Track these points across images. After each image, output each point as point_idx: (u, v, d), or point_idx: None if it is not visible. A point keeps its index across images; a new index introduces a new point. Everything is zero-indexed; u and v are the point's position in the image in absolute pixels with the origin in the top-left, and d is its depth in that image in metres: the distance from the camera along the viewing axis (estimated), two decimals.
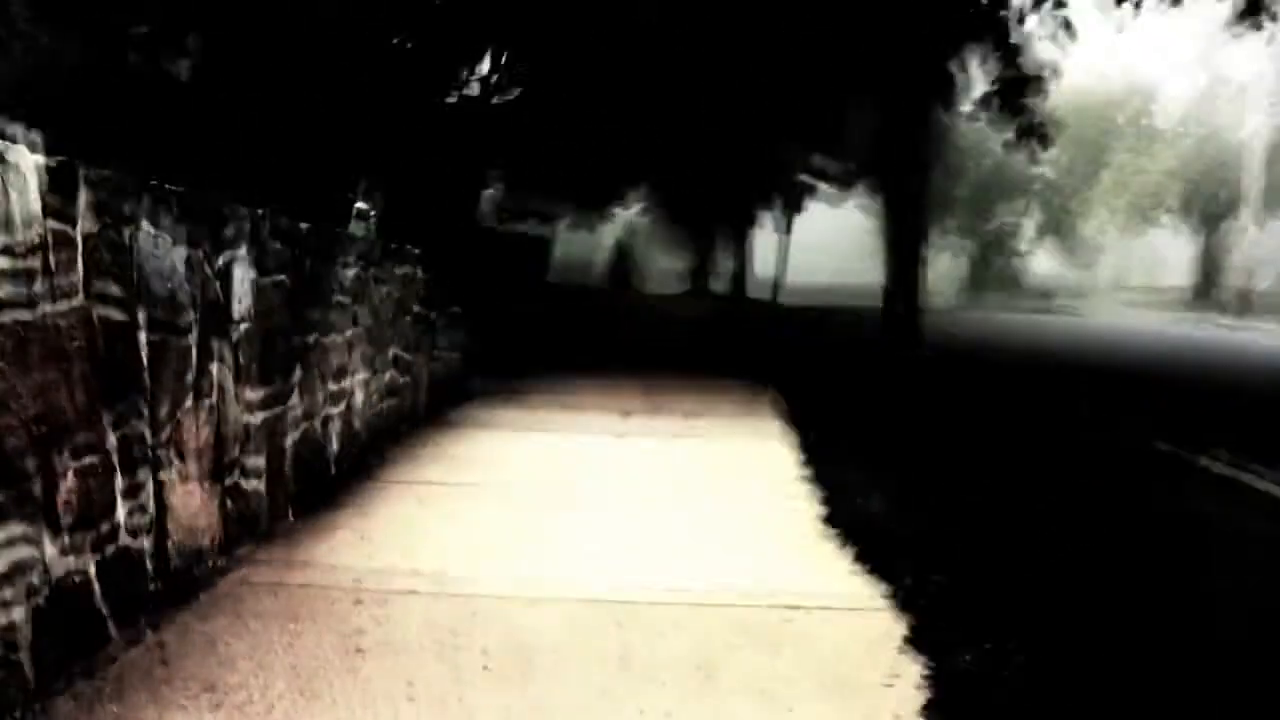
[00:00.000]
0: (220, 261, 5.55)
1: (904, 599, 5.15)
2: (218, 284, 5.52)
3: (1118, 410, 13.68)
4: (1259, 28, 21.70)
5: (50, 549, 3.86)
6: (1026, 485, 8.53)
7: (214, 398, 5.39)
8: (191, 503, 5.09)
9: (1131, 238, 79.28)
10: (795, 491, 7.53)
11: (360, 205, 9.64)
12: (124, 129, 9.03)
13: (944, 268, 69.83)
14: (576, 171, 33.08)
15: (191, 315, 5.16)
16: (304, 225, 6.91)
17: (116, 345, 4.43)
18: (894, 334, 22.51)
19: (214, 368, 5.42)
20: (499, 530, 6.38)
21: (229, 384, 5.58)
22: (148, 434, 4.68)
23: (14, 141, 3.79)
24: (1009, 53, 22.03)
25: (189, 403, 5.11)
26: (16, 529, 3.63)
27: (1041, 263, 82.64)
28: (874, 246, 66.96)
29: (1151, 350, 26.47)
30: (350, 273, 7.92)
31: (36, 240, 3.79)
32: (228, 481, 5.56)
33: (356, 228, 9.41)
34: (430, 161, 19.16)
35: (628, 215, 53.48)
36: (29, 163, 3.78)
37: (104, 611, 4.25)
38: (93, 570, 4.17)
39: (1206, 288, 66.91)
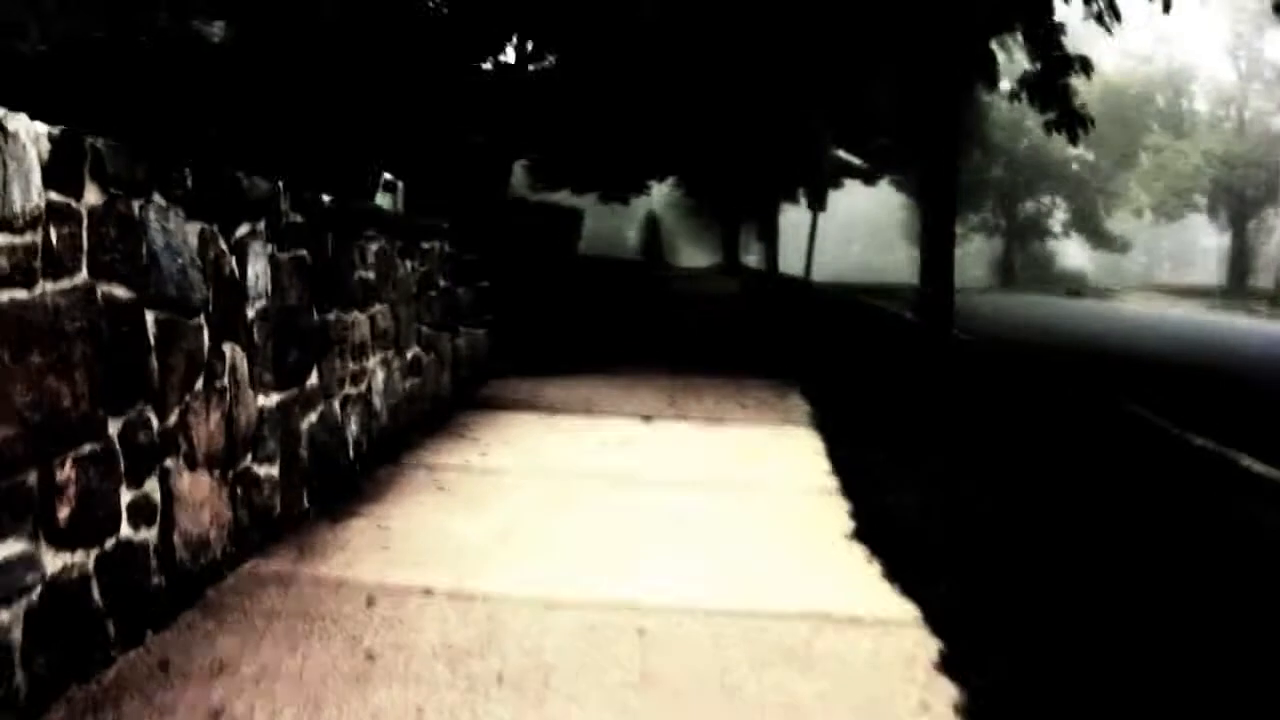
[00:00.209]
0: (236, 236, 5.31)
1: (937, 616, 4.89)
2: (233, 259, 5.28)
3: (1176, 405, 13.32)
4: None
5: (44, 544, 3.63)
6: (1076, 489, 8.18)
7: (226, 380, 5.15)
8: (200, 491, 4.86)
9: (1166, 224, 78.97)
10: (824, 493, 7.26)
11: (387, 176, 9.38)
12: (148, 95, 8.84)
13: (975, 250, 69.68)
14: (605, 153, 32.93)
15: (204, 293, 4.93)
16: (325, 198, 6.66)
17: (121, 325, 4.20)
18: (928, 316, 22.21)
19: (227, 348, 5.19)
20: (520, 522, 6.13)
21: (242, 365, 5.34)
22: (153, 419, 4.45)
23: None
24: (1051, 31, 21.69)
25: (199, 385, 4.88)
26: (7, 523, 3.41)
27: (1072, 250, 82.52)
28: (908, 223, 67.31)
29: (1201, 340, 26.13)
30: (374, 247, 7.68)
31: (36, 213, 3.57)
32: (239, 468, 5.32)
33: (383, 199, 9.15)
34: (463, 130, 18.98)
35: (661, 188, 53.21)
36: (30, 132, 3.56)
37: (103, 610, 4.01)
38: (91, 566, 3.94)
39: (1239, 278, 66.60)
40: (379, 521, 5.95)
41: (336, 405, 6.88)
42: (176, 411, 4.66)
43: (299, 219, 6.14)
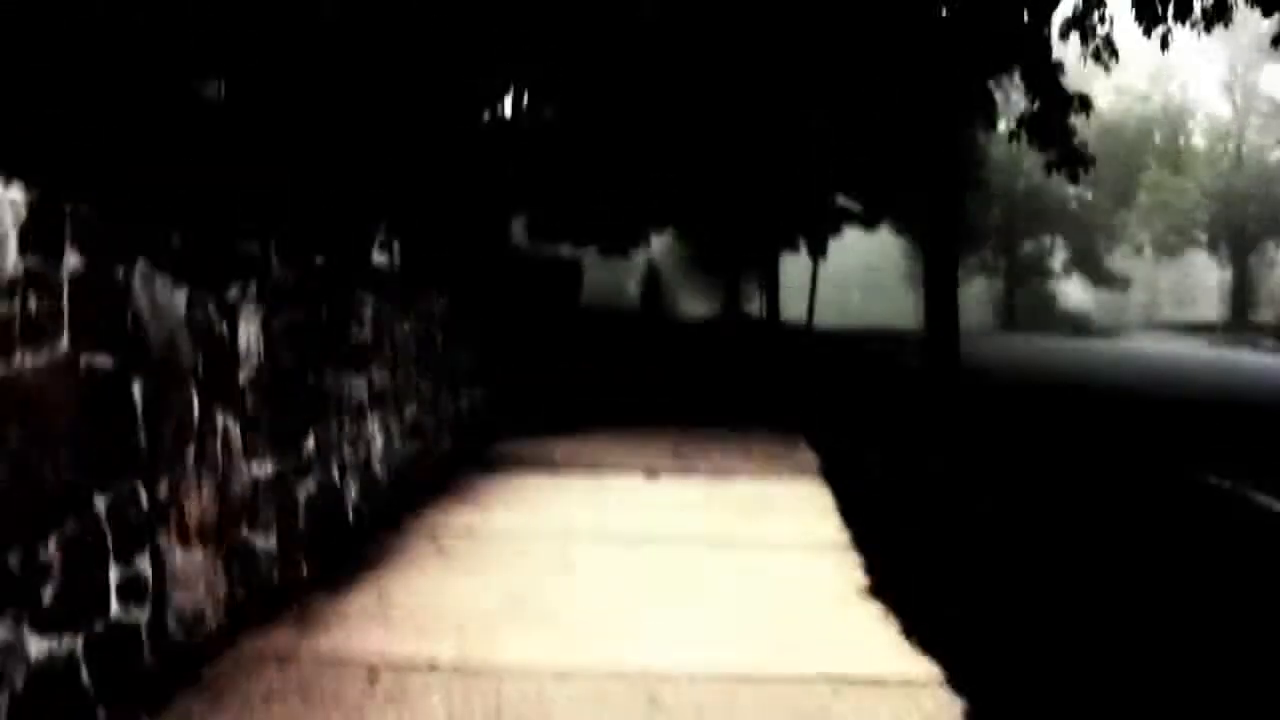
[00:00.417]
0: (226, 299, 5.16)
1: (959, 675, 4.71)
2: (224, 324, 5.13)
3: (1195, 444, 13.08)
4: None
5: (28, 629, 3.46)
6: (1098, 540, 7.96)
7: (219, 448, 4.99)
8: (193, 566, 4.69)
9: (1166, 261, 79.06)
10: (836, 548, 7.09)
11: (382, 234, 9.25)
12: (140, 155, 8.70)
13: (976, 292, 69.60)
14: (603, 205, 32.94)
15: (194, 359, 4.77)
16: (319, 258, 6.52)
17: (106, 395, 4.04)
18: (934, 363, 22.09)
19: (219, 416, 5.02)
20: (526, 587, 5.94)
21: (235, 433, 5.18)
22: (143, 492, 4.28)
23: None
24: (1050, 72, 21.68)
25: (190, 455, 4.71)
26: None
27: (1072, 289, 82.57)
28: (908, 268, 67.31)
29: (1212, 378, 25.90)
30: (370, 307, 7.54)
31: (13, 281, 3.42)
32: (234, 541, 5.14)
33: (379, 257, 9.01)
34: (460, 184, 18.88)
35: (660, 240, 53.23)
36: (3, 197, 3.40)
37: (92, 696, 3.83)
38: (79, 650, 3.77)
39: (1241, 313, 66.62)
40: (380, 590, 5.78)
41: (335, 470, 6.72)
42: (167, 483, 4.49)
43: (292, 280, 5.99)
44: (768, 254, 47.72)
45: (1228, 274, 73.37)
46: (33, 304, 3.55)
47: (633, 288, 64.77)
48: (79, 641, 3.77)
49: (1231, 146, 67.29)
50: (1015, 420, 15.24)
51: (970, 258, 63.54)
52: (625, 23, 21.55)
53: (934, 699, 4.51)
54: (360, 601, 5.60)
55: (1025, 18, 21.30)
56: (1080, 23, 22.81)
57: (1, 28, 5.74)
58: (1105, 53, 22.49)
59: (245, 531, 5.29)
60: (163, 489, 4.45)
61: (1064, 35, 23.00)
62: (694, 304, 63.68)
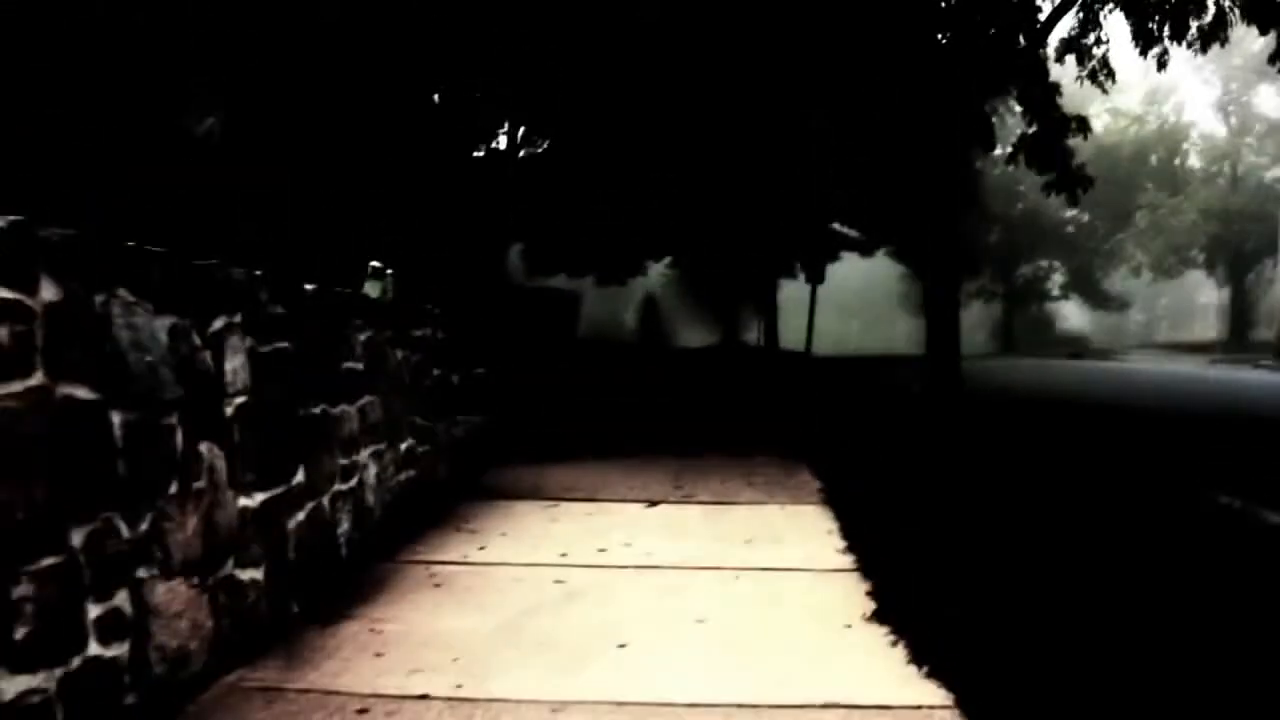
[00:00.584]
0: (212, 329, 5.05)
1: (971, 701, 4.59)
2: (208, 354, 5.01)
3: (1203, 463, 12.92)
4: None
5: (0, 666, 3.34)
6: (1110, 561, 7.81)
7: (204, 481, 4.87)
8: (177, 601, 4.56)
9: (1164, 282, 79.25)
10: (840, 573, 6.96)
11: (375, 263, 9.13)
12: (132, 188, 8.65)
13: (975, 316, 69.61)
14: (599, 235, 32.93)
15: (177, 390, 4.65)
16: (309, 286, 6.41)
17: (84, 427, 3.93)
18: (935, 384, 22.00)
19: (204, 448, 4.90)
20: (522, 619, 5.81)
21: (221, 465, 5.06)
22: (123, 526, 4.16)
23: None
24: (1047, 94, 21.67)
25: (174, 488, 4.59)
26: None
27: (1070, 311, 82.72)
28: (906, 294, 67.35)
29: (1216, 397, 25.74)
30: (362, 336, 7.42)
31: None
32: (220, 574, 5.02)
33: (371, 287, 8.89)
34: (456, 215, 18.83)
35: (657, 268, 53.19)
36: None
37: None
38: (54, 688, 3.64)
39: (1239, 333, 66.75)
40: (372, 624, 5.64)
41: (326, 502, 6.59)
42: (149, 517, 4.37)
43: (280, 310, 5.88)
44: (766, 282, 47.66)
45: (1224, 294, 73.47)
46: (6, 335, 3.44)
47: (630, 317, 64.79)
48: (54, 679, 3.64)
49: (1227, 167, 67.34)
50: (1021, 442, 15.09)
51: (969, 282, 63.52)
52: (619, 54, 21.52)
53: None
54: (351, 635, 5.47)
55: (1021, 40, 21.29)
56: (1076, 44, 22.85)
57: None
58: (1102, 73, 22.52)
59: (232, 565, 5.16)
60: (144, 522, 4.34)
61: (1060, 57, 23.02)
62: (692, 333, 63.62)
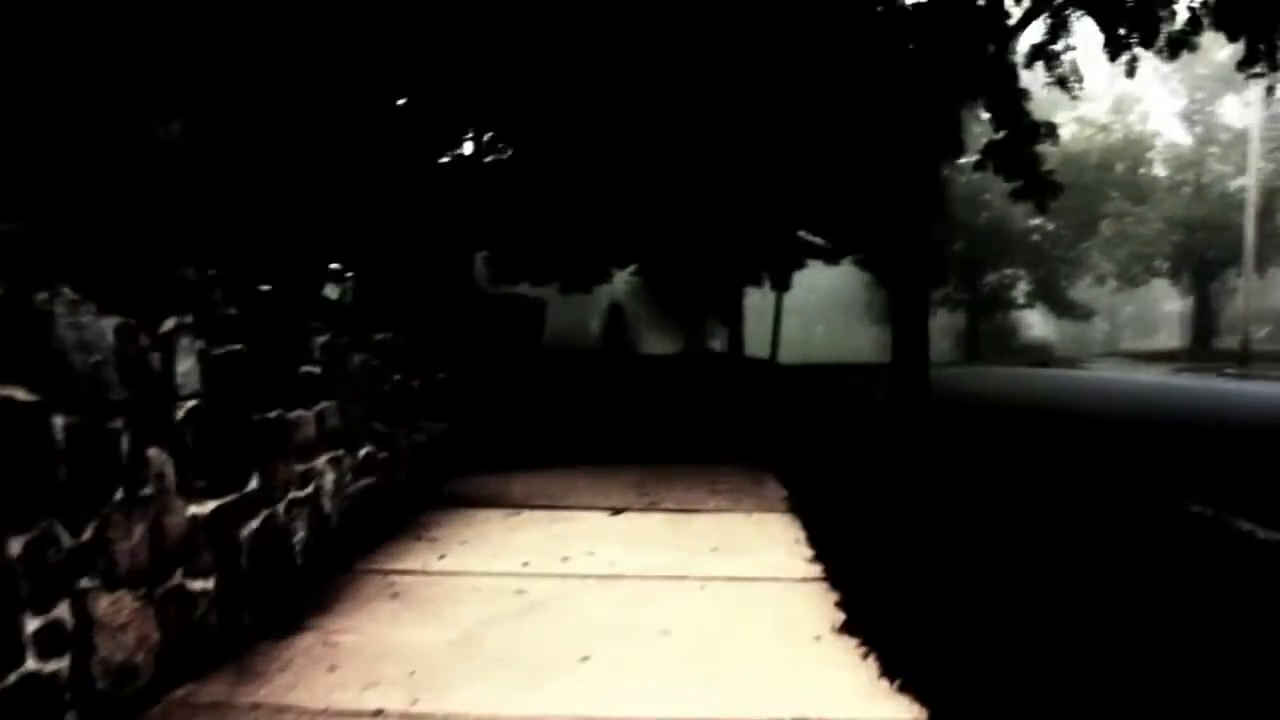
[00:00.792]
0: (162, 330, 4.87)
1: (943, 717, 4.46)
2: (158, 355, 4.84)
3: (1170, 470, 12.85)
4: (1259, 76, 21.47)
5: None
6: (1082, 569, 7.70)
7: (152, 487, 4.69)
8: (122, 613, 4.39)
9: (1128, 291, 79.69)
10: (808, 583, 6.83)
11: (335, 266, 8.99)
12: (92, 189, 8.48)
13: (940, 324, 69.64)
14: (564, 243, 32.85)
15: (123, 393, 4.48)
16: (265, 288, 6.24)
17: (22, 431, 3.76)
18: (903, 394, 21.93)
19: (153, 453, 4.73)
20: (482, 631, 5.64)
21: (170, 471, 4.88)
22: (63, 535, 3.99)
23: None
24: (1016, 98, 21.65)
25: (119, 494, 4.42)
26: None
27: (1035, 320, 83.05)
28: (870, 300, 67.47)
29: (1180, 404, 25.75)
30: (320, 340, 7.25)
31: None
32: (169, 585, 4.84)
33: (332, 290, 8.75)
34: (420, 221, 18.67)
35: (623, 275, 53.07)
36: None
37: None
38: None
39: (1203, 341, 67.22)
40: (327, 636, 5.47)
41: (281, 510, 6.41)
42: (92, 526, 4.20)
43: (235, 311, 5.71)
44: (731, 289, 47.60)
45: (1188, 303, 73.84)
46: None
47: (595, 324, 64.69)
48: None
49: (1192, 176, 67.59)
50: (989, 450, 15.01)
51: (934, 290, 63.56)
52: (583, 61, 21.40)
53: None
54: (306, 647, 5.30)
55: (990, 48, 21.24)
56: (1044, 50, 22.83)
57: None
58: (1071, 79, 22.54)
59: (181, 575, 4.98)
60: (87, 530, 4.16)
61: (1029, 63, 22.99)
62: (657, 340, 63.56)
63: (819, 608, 6.17)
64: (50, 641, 3.86)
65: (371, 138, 15.96)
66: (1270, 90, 22.58)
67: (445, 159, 25.08)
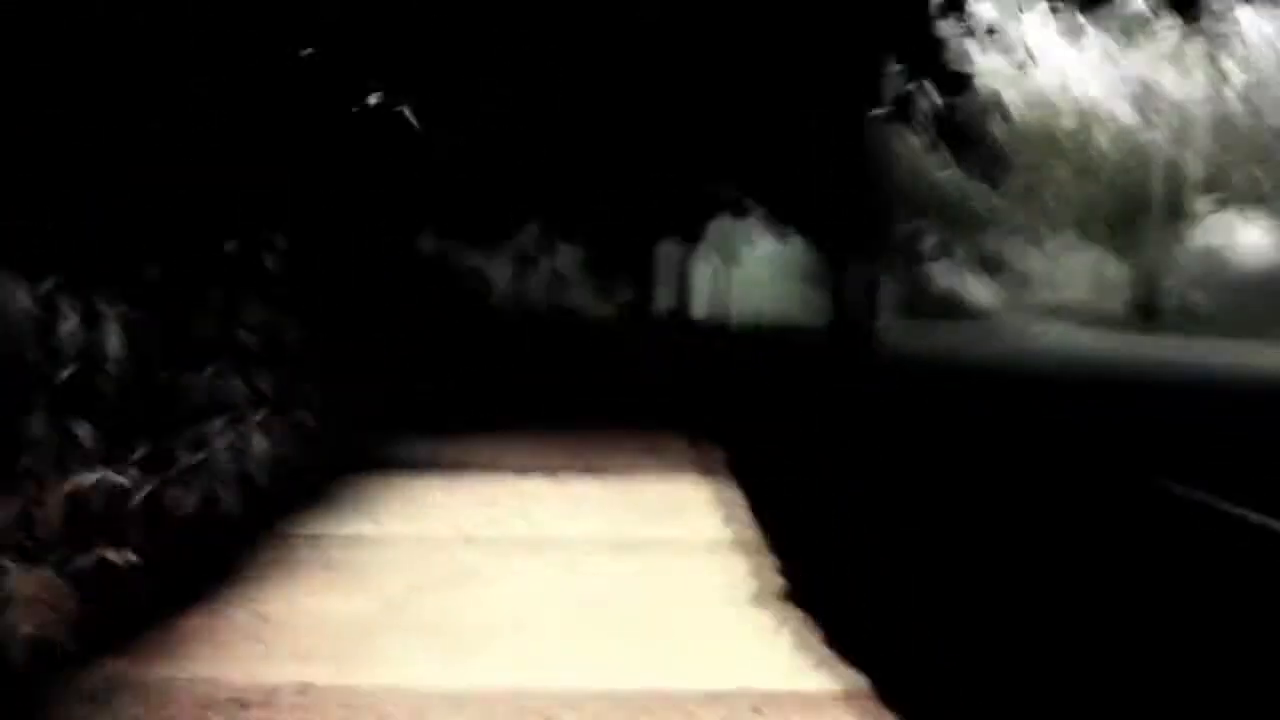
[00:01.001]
0: (85, 299, 4.73)
1: (888, 684, 4.38)
2: (81, 325, 4.69)
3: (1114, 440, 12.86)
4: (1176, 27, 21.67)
5: None
6: (1023, 535, 7.66)
7: (67, 459, 4.55)
8: (36, 587, 4.25)
9: (1070, 256, 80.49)
10: (747, 549, 6.74)
11: (271, 236, 8.82)
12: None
13: (883, 288, 69.95)
14: (509, 214, 32.75)
15: (43, 363, 4.33)
16: (191, 255, 6.09)
17: None
18: (846, 352, 21.99)
19: (73, 422, 4.59)
20: (415, 600, 5.52)
21: (88, 439, 4.74)
22: None
23: None
24: (965, 75, 21.69)
25: (36, 465, 4.28)
26: None
27: (973, 285, 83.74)
28: (811, 266, 67.80)
29: (1116, 366, 25.91)
30: (254, 308, 7.11)
31: None
32: (89, 556, 4.70)
33: (267, 259, 8.58)
34: (362, 191, 18.46)
35: (567, 248, 52.95)
36: None
37: None
38: None
39: (1145, 306, 67.99)
40: (256, 607, 5.33)
41: (209, 477, 6.27)
42: (4, 496, 4.06)
43: (165, 280, 5.56)
44: (670, 253, 47.56)
45: (1125, 267, 74.57)
46: None
47: (540, 290, 64.53)
48: None
49: (1131, 142, 68.02)
50: (933, 408, 15.01)
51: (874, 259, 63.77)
52: (489, 12, 21.22)
53: (863, 713, 4.16)
54: (232, 619, 5.16)
55: (937, 18, 21.23)
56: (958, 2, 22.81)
57: None
58: (1027, 57, 22.62)
59: (103, 546, 4.84)
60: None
61: (943, 14, 22.93)
62: (601, 305, 63.50)
63: (759, 574, 6.09)
64: None
65: (309, 108, 15.76)
66: (1212, 60, 22.79)
67: (388, 129, 24.88)
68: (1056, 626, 5.28)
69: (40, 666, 4.20)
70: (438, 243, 34.61)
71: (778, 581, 5.90)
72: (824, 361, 23.05)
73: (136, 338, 5.22)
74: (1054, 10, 20.98)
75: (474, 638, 4.96)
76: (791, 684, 4.43)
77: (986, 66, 59.29)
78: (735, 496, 8.28)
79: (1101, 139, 68.08)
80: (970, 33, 22.81)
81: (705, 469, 9.47)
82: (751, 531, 7.13)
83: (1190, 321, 50.14)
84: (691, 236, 43.69)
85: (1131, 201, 64.69)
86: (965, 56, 24.18)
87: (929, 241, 77.42)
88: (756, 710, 4.16)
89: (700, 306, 50.13)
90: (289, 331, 7.97)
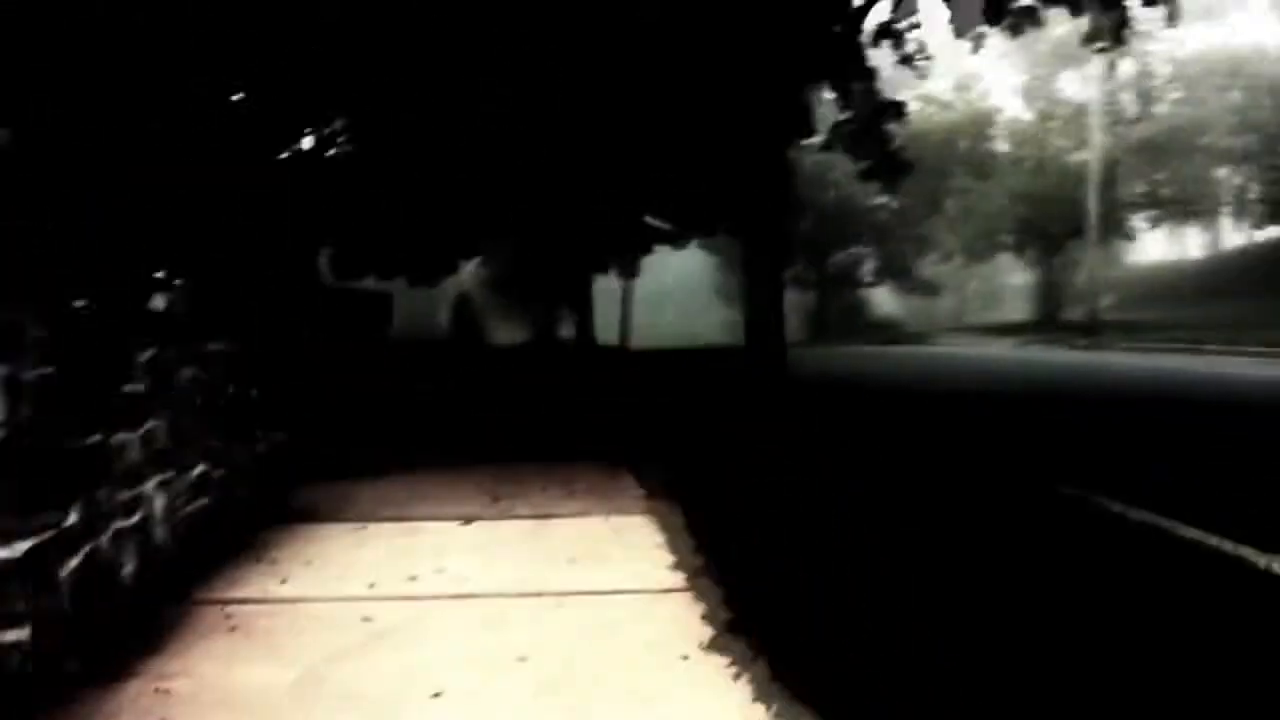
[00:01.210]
0: None
1: None
2: None
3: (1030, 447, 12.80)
4: (1105, 51, 21.77)
5: None
6: (964, 557, 7.52)
7: None
8: None
9: (976, 266, 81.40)
10: (671, 594, 6.53)
11: (160, 274, 8.51)
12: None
13: (789, 303, 70.07)
14: (408, 237, 32.56)
15: None
16: (79, 303, 5.80)
17: None
18: (760, 376, 21.87)
19: None
20: (325, 666, 5.25)
21: None
22: None
23: None
24: (866, 78, 21.68)
25: None
26: None
27: (882, 297, 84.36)
28: (721, 283, 67.96)
29: (1028, 377, 26.01)
30: (145, 355, 6.80)
31: None
32: None
33: (157, 300, 8.26)
34: (258, 220, 18.15)
35: (470, 267, 52.71)
36: None
37: None
38: None
39: (1050, 314, 68.85)
40: (159, 681, 5.05)
41: (106, 543, 5.95)
42: None
43: (44, 332, 5.26)
44: (579, 278, 47.43)
45: (1034, 276, 75.39)
46: None
47: (445, 317, 64.18)
48: None
49: (1033, 150, 68.63)
50: (848, 429, 14.93)
51: (784, 271, 63.89)
52: (423, 50, 21.02)
53: None
54: (134, 696, 4.88)
55: (836, 27, 21.20)
56: (890, 28, 22.86)
57: None
58: (920, 58, 22.62)
59: None
60: None
61: (876, 42, 22.99)
62: (507, 331, 63.30)
63: (685, 621, 5.88)
64: None
65: (206, 137, 15.46)
66: (1112, 65, 23.08)
67: (285, 155, 24.58)
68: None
69: None
70: (336, 271, 34.26)
71: (704, 630, 5.70)
72: (743, 387, 22.94)
73: (20, 397, 4.94)
74: (979, 40, 20.99)
75: (389, 708, 4.72)
76: None
77: (917, 92, 59.85)
78: (655, 536, 8.08)
79: (1031, 161, 68.98)
80: (906, 60, 22.86)
81: (623, 507, 9.27)
82: (673, 575, 6.92)
83: (1091, 333, 50.75)
84: (629, 271, 43.71)
85: (1058, 221, 65.55)
86: (899, 83, 24.27)
87: (864, 267, 78.18)
88: None
89: (602, 326, 50.01)
90: (185, 379, 7.66)
